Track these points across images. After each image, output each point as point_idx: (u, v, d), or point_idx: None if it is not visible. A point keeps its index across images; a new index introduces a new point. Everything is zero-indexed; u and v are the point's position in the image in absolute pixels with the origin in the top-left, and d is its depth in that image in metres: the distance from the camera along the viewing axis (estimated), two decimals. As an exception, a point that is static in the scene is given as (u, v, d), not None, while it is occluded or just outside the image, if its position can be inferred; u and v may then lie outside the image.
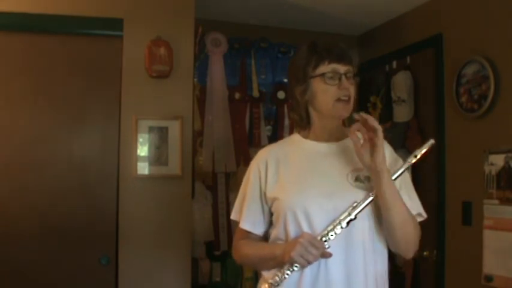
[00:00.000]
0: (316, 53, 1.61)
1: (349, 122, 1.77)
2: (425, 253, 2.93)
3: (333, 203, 1.52)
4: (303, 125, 1.69)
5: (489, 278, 2.48)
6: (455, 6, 2.84)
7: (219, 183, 3.31)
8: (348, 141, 1.65)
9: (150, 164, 2.68)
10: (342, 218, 1.49)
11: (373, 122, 1.48)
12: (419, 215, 1.63)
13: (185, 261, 2.71)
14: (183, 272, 2.70)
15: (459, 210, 2.71)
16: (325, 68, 1.59)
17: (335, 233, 1.48)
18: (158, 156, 2.69)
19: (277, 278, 1.51)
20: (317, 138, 1.67)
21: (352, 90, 1.60)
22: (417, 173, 2.93)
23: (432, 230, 2.86)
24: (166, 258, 2.66)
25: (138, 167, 2.66)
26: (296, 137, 1.73)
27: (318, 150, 1.65)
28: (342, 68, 1.59)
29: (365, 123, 1.49)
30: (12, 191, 2.55)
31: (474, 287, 2.57)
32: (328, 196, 1.54)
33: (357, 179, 1.57)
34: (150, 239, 2.65)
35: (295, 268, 1.49)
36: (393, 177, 1.52)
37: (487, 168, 2.53)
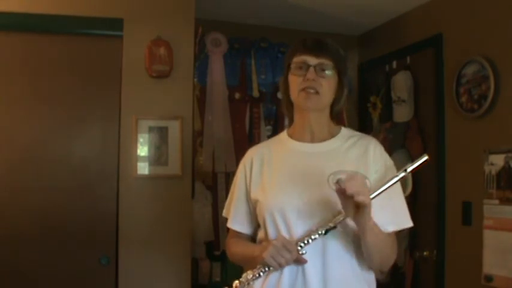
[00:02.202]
0: (295, 45, 1.64)
1: (348, 121, 1.76)
2: (425, 253, 2.92)
3: (311, 207, 1.49)
4: (291, 119, 1.70)
5: (489, 278, 2.48)
6: (455, 6, 2.84)
7: (219, 183, 3.31)
8: (333, 142, 1.63)
9: (150, 164, 2.68)
10: (321, 225, 1.46)
11: (351, 190, 1.35)
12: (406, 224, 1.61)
13: (185, 261, 2.71)
14: (183, 272, 2.70)
15: (459, 210, 2.71)
16: (296, 59, 1.60)
17: (312, 239, 1.45)
18: (158, 156, 2.69)
19: (248, 277, 1.49)
20: (301, 138, 1.65)
21: (322, 83, 1.56)
22: (417, 173, 2.92)
23: (432, 230, 2.85)
24: (166, 258, 2.66)
25: (138, 167, 2.66)
26: (283, 136, 1.72)
27: (301, 151, 1.63)
28: (312, 60, 1.57)
29: (343, 193, 1.37)
30: (12, 191, 2.55)
31: (474, 287, 2.57)
32: (307, 200, 1.52)
33: (337, 183, 1.46)
34: (150, 239, 2.65)
35: (267, 269, 1.48)
36: (380, 190, 1.44)
37: (487, 168, 2.53)
